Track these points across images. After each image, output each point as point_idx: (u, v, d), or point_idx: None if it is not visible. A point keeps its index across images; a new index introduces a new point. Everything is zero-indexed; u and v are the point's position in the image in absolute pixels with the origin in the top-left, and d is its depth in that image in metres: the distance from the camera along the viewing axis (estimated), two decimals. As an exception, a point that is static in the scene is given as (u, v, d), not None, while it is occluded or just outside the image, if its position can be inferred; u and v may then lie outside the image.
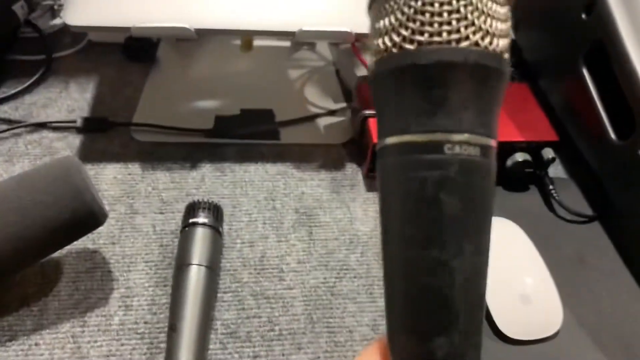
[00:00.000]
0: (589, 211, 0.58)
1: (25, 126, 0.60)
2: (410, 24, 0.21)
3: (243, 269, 0.50)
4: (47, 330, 0.45)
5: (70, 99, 0.65)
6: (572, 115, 0.63)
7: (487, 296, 0.48)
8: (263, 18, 0.54)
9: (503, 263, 0.51)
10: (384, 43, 0.22)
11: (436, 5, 0.20)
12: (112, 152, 0.59)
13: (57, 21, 0.73)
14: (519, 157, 0.58)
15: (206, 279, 0.45)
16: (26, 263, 0.44)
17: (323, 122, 0.66)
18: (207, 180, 0.57)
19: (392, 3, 0.21)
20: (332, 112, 0.67)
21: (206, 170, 0.58)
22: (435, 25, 0.21)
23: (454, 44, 0.20)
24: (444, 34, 0.20)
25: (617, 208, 0.57)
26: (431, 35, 0.21)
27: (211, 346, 0.45)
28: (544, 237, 0.54)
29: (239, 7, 0.54)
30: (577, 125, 0.62)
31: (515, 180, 0.60)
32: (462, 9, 0.21)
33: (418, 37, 0.21)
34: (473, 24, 0.21)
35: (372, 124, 0.57)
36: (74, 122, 0.61)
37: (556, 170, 0.63)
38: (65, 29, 0.72)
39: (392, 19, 0.21)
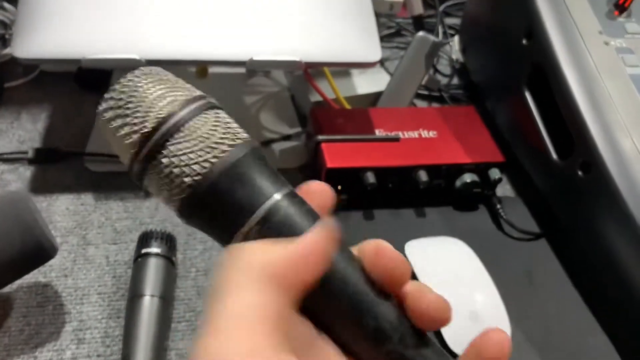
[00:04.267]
0: (535, 229, 0.61)
1: (-25, 158, 0.60)
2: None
3: (197, 298, 0.50)
4: (-3, 368, 0.44)
5: (21, 130, 0.64)
6: (517, 135, 0.65)
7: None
8: (213, 47, 0.55)
9: (452, 282, 0.52)
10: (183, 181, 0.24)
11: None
12: (64, 183, 0.59)
13: (8, 50, 0.72)
14: (467, 178, 0.60)
15: (159, 310, 0.46)
16: (-27, 300, 0.44)
17: (279, 147, 0.67)
18: (161, 209, 0.57)
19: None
20: (287, 137, 0.68)
21: (160, 198, 0.58)
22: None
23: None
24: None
25: (562, 225, 0.59)
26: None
27: (165, 377, 0.45)
28: (493, 255, 0.55)
29: (189, 37, 0.55)
30: (521, 145, 0.64)
31: (464, 200, 0.62)
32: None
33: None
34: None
35: (326, 148, 0.59)
36: (26, 153, 0.60)
37: (504, 190, 0.65)
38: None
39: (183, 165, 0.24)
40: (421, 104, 0.75)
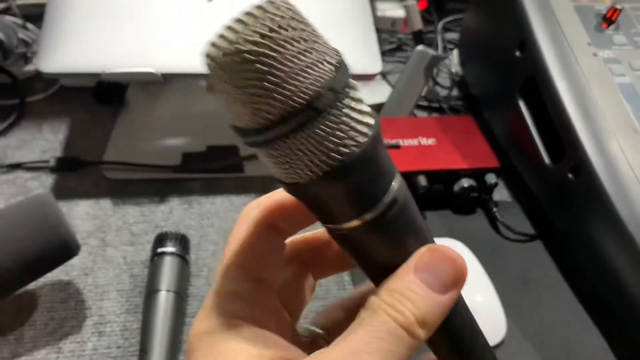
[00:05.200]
0: (531, 231, 0.63)
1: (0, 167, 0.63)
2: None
3: (210, 294, 0.53)
4: (24, 357, 0.47)
5: (43, 141, 0.68)
6: (512, 143, 0.68)
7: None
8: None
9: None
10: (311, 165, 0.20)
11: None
12: (84, 190, 0.62)
13: (30, 67, 0.76)
14: (465, 182, 0.63)
15: (174, 304, 0.49)
16: (1, 294, 0.47)
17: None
18: (175, 213, 0.61)
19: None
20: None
21: (174, 203, 0.62)
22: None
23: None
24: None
25: (556, 226, 0.62)
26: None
27: (180, 367, 0.48)
28: (490, 256, 0.58)
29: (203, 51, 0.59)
30: (517, 151, 0.67)
31: (462, 204, 0.64)
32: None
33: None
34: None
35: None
36: (48, 162, 0.64)
37: (500, 194, 0.68)
38: (38, 74, 0.76)
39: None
40: (421, 114, 0.78)
